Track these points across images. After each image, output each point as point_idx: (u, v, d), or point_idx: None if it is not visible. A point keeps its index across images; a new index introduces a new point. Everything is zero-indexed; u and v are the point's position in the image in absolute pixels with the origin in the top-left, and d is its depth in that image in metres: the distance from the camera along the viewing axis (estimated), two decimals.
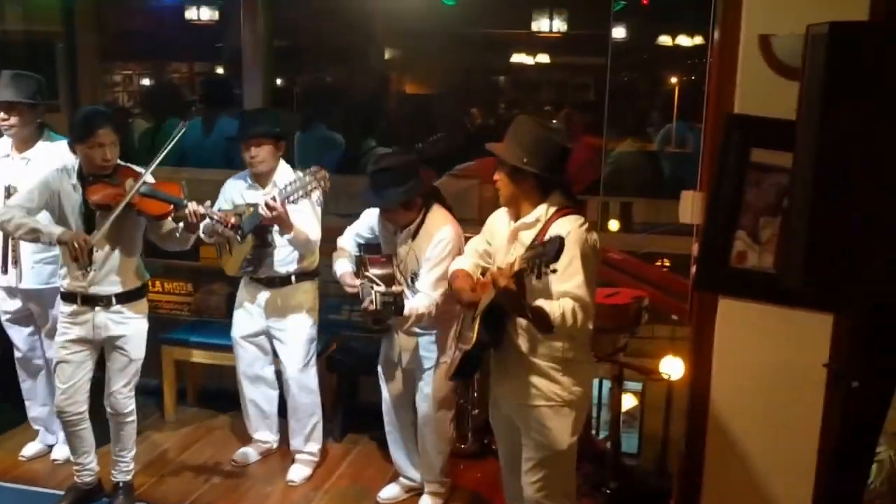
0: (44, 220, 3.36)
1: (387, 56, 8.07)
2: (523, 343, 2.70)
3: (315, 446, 3.96)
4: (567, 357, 2.68)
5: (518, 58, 7.80)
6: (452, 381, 3.06)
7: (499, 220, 2.85)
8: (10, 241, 3.68)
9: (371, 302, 3.03)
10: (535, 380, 2.70)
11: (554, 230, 2.55)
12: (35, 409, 4.08)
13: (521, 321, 2.65)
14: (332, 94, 7.22)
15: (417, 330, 3.38)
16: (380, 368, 3.63)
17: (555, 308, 2.49)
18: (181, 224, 3.35)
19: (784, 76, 2.59)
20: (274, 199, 3.41)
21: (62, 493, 3.69)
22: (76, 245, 3.13)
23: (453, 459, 3.76)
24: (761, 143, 2.62)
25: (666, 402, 3.62)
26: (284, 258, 3.72)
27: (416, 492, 3.74)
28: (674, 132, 6.22)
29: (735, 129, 2.62)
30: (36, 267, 3.71)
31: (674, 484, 3.30)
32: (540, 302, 2.50)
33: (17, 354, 3.98)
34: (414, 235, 3.30)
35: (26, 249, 3.67)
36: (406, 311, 3.13)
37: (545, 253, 2.31)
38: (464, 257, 2.96)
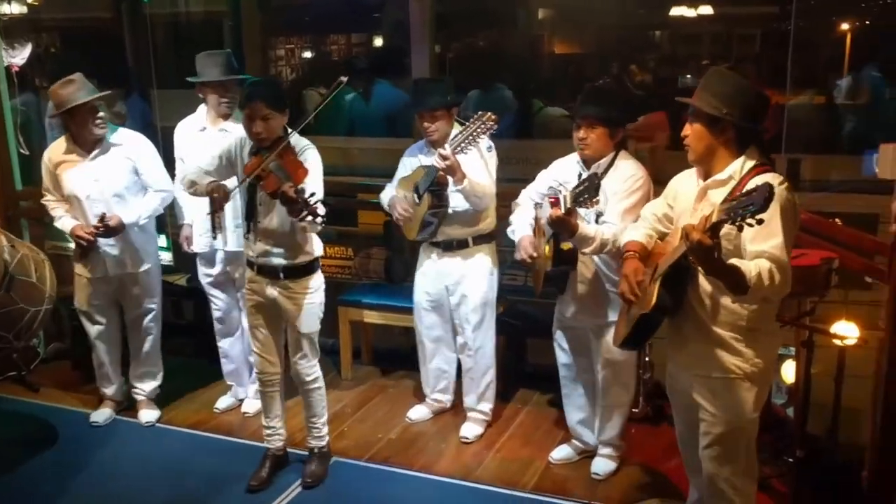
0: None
1: (539, 16, 7.95)
2: (704, 310, 2.55)
3: (487, 406, 4.05)
4: (751, 327, 2.52)
5: (677, 10, 7.46)
6: (622, 349, 2.95)
7: (683, 182, 2.70)
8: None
9: (561, 203, 2.97)
10: (715, 350, 2.56)
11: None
12: (229, 366, 4.39)
13: (705, 285, 2.52)
14: (484, 58, 7.21)
15: (607, 287, 3.37)
16: (554, 329, 3.65)
17: (750, 268, 2.32)
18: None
19: None
20: (445, 148, 3.47)
21: (253, 443, 3.97)
22: (215, 195, 3.30)
23: (626, 423, 3.73)
24: None
25: (838, 369, 3.42)
26: (461, 221, 3.78)
27: (588, 454, 3.75)
28: (849, 82, 5.80)
29: None
30: (237, 231, 3.93)
31: (867, 455, 3.15)
32: (733, 261, 2.36)
33: (216, 314, 4.28)
34: (603, 174, 3.28)
35: (228, 215, 3.87)
36: (592, 232, 3.09)
37: (752, 202, 2.10)
38: (638, 225, 2.84)
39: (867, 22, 6.50)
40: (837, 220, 3.76)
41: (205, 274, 4.21)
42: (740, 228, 2.18)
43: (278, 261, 3.41)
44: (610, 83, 6.01)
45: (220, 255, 4.11)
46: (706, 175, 2.58)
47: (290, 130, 3.32)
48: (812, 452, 3.41)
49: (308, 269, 3.47)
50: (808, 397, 3.30)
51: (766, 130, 2.60)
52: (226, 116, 3.99)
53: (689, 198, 2.63)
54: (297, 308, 3.46)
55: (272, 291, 3.45)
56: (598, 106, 3.26)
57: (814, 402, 3.42)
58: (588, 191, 2.90)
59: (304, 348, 3.55)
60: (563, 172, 3.44)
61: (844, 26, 6.37)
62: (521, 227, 3.48)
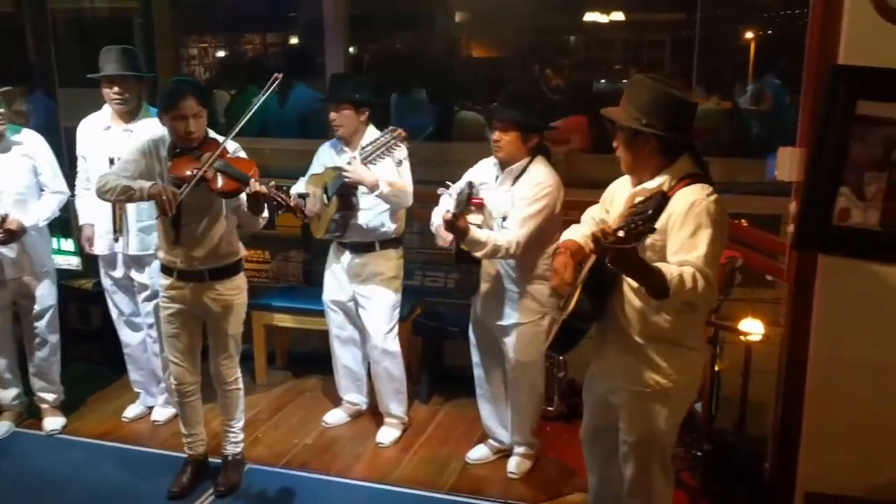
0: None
1: (456, 19, 7.99)
2: (626, 319, 2.52)
3: (401, 409, 4.04)
4: (672, 340, 2.49)
5: (591, 16, 7.61)
6: (550, 352, 3.00)
7: (620, 188, 2.67)
8: (116, 210, 3.83)
9: (448, 212, 3.07)
10: (633, 362, 2.53)
11: (678, 200, 2.36)
12: (135, 373, 4.24)
13: (629, 294, 2.48)
14: (401, 61, 7.21)
15: (508, 286, 3.41)
16: (470, 329, 3.67)
17: (672, 270, 2.25)
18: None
19: (895, 23, 2.48)
20: (351, 161, 3.53)
21: (165, 452, 3.88)
22: (165, 198, 3.09)
23: (540, 422, 3.78)
24: (868, 94, 2.53)
25: (745, 365, 3.56)
26: (369, 224, 3.77)
27: (504, 453, 3.78)
28: (753, 89, 6.03)
29: (840, 81, 2.54)
30: (139, 235, 3.85)
31: (769, 447, 3.27)
32: (657, 263, 2.32)
33: (118, 320, 4.13)
34: (515, 179, 3.32)
35: (131, 217, 3.81)
36: (484, 237, 3.14)
37: (643, 211, 2.11)
38: (579, 226, 2.80)
39: (769, 32, 6.78)
40: (744, 221, 3.91)
41: (106, 276, 4.06)
42: (636, 238, 2.14)
43: (205, 264, 3.34)
44: (528, 88, 6.09)
45: (121, 258, 3.97)
46: (638, 183, 2.54)
47: (211, 132, 3.31)
48: (720, 446, 3.52)
49: (235, 269, 3.45)
50: (717, 393, 3.39)
51: (694, 137, 2.53)
52: (123, 115, 3.85)
53: (622, 204, 2.60)
54: (225, 309, 3.41)
55: (197, 295, 3.36)
56: (514, 110, 3.29)
57: (723, 397, 3.53)
58: (461, 203, 3.02)
59: (230, 349, 3.50)
60: (483, 173, 3.47)
61: (748, 35, 6.62)
62: (438, 218, 3.48)
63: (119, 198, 3.25)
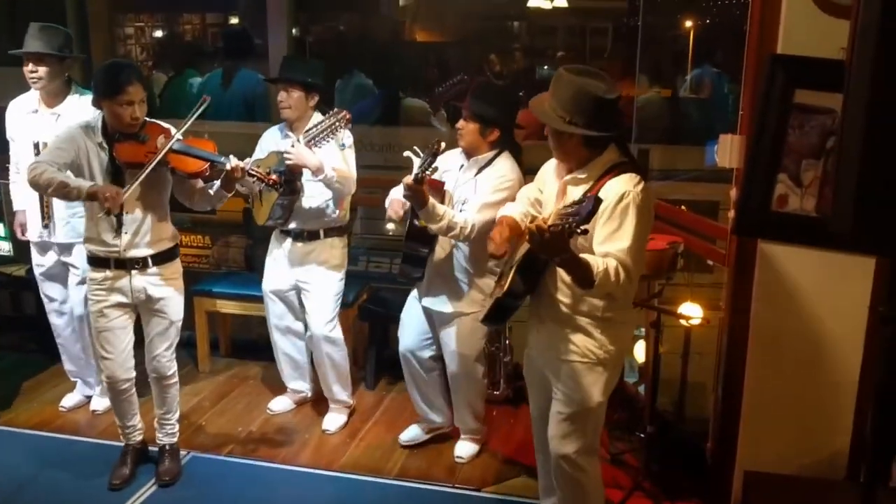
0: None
1: (401, 2, 7.94)
2: (562, 296, 2.61)
3: (346, 395, 4.01)
4: (606, 315, 2.59)
5: (535, 2, 7.65)
6: (484, 325, 3.02)
7: (551, 170, 2.73)
8: (44, 197, 3.68)
9: (414, 171, 3.06)
10: (571, 334, 2.61)
11: (608, 191, 2.44)
12: (70, 363, 4.13)
13: (563, 274, 2.54)
14: (345, 44, 7.15)
15: (458, 276, 3.41)
16: (402, 315, 3.66)
17: (599, 263, 2.36)
18: (215, 182, 3.27)
19: (831, 14, 2.55)
20: (297, 140, 3.48)
21: (104, 442, 3.79)
22: (107, 196, 2.99)
23: (486, 406, 3.80)
24: (806, 83, 2.58)
25: (684, 348, 3.64)
26: (313, 212, 3.72)
27: (438, 432, 3.80)
28: (692, 77, 6.14)
29: (779, 69, 2.59)
30: (71, 221, 3.72)
31: (710, 427, 3.35)
32: (585, 256, 2.39)
33: (51, 308, 4.01)
34: (480, 170, 3.32)
35: (59, 205, 3.69)
36: (441, 211, 3.14)
37: (578, 212, 2.19)
38: (515, 203, 2.87)
39: (708, 21, 6.90)
40: (683, 207, 3.98)
41: (38, 264, 3.93)
42: (569, 235, 2.20)
43: (148, 250, 3.26)
44: (502, 84, 6.09)
45: (53, 246, 3.85)
46: (569, 171, 2.60)
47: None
48: (661, 427, 3.60)
49: (174, 254, 3.39)
50: (658, 375, 3.46)
51: (622, 130, 2.61)
52: (50, 98, 3.71)
53: (555, 189, 2.66)
54: (169, 295, 3.34)
55: (140, 283, 3.27)
56: (479, 102, 3.30)
57: (664, 380, 3.60)
58: (425, 161, 3.01)
59: (172, 339, 3.42)
60: (448, 161, 3.44)
61: (689, 24, 6.73)
62: (395, 192, 3.45)
63: (55, 193, 3.12)
